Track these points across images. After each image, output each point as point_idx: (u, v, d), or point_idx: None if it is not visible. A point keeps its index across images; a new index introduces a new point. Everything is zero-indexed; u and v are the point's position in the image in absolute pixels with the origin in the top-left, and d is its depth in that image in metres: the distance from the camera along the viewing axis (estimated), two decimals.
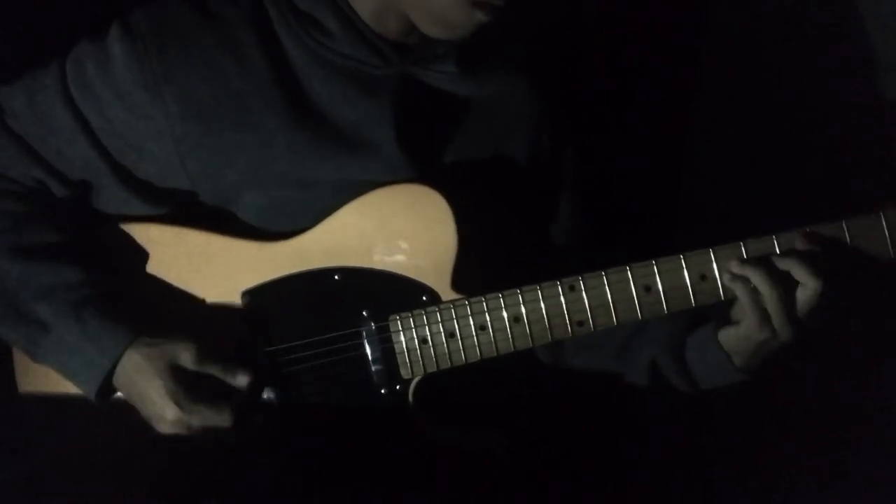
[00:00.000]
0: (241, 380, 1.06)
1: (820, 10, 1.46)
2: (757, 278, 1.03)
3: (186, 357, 1.04)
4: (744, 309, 1.05)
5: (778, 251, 1.06)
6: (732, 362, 1.12)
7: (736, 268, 1.05)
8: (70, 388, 1.08)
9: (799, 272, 1.02)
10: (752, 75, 1.55)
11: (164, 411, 1.02)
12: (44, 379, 1.11)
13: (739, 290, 1.05)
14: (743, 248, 1.06)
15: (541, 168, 1.23)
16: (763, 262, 1.04)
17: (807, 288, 1.03)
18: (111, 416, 1.08)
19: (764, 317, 1.04)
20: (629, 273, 1.08)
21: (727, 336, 1.11)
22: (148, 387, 1.03)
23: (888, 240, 1.05)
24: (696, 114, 1.65)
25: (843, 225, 1.06)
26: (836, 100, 1.45)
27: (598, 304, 1.08)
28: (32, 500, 1.12)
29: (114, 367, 1.04)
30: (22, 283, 1.05)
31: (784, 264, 1.03)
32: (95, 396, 1.05)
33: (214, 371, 1.05)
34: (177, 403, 1.02)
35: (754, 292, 1.04)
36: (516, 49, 1.22)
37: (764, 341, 1.06)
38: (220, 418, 1.03)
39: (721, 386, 1.17)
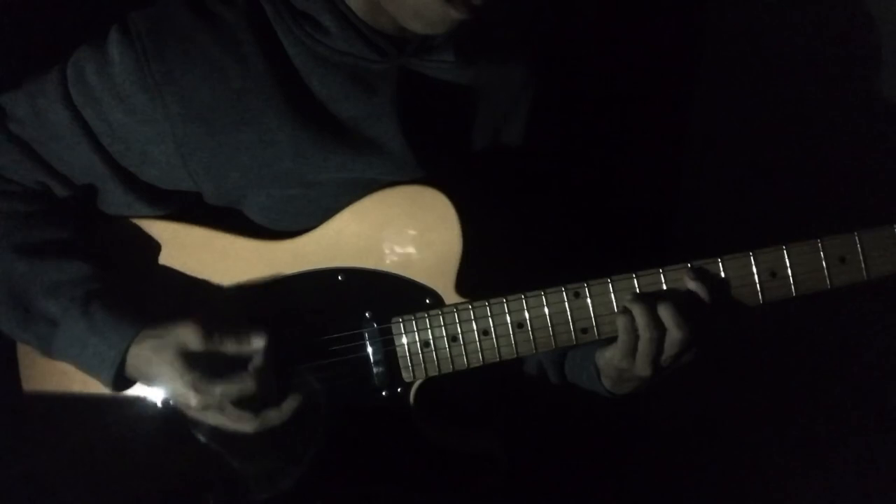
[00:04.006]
0: (257, 342, 1.03)
1: (820, 10, 1.44)
2: (638, 315, 1.02)
3: (193, 339, 1.02)
4: (619, 332, 1.04)
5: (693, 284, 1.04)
6: (602, 382, 1.14)
7: (628, 301, 1.04)
8: (73, 386, 1.08)
9: (667, 318, 1.02)
10: (752, 74, 1.53)
11: (187, 400, 1.01)
12: (47, 377, 1.11)
13: (621, 319, 1.03)
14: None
15: (539, 155, 1.22)
16: (649, 300, 1.03)
17: (670, 335, 1.02)
18: (114, 414, 1.08)
19: (631, 348, 1.04)
20: (635, 281, 1.06)
21: (601, 355, 1.11)
22: (162, 378, 1.01)
23: None
24: (696, 112, 1.64)
25: (856, 237, 1.04)
26: (836, 100, 1.44)
27: (603, 311, 1.07)
28: (33, 499, 1.13)
29: (123, 359, 1.02)
30: (29, 281, 1.05)
31: (660, 308, 1.02)
32: (113, 388, 1.04)
33: (225, 344, 1.03)
34: (195, 389, 1.00)
35: (634, 323, 1.03)
36: (514, 34, 1.20)
37: (624, 370, 1.07)
38: (241, 387, 1.01)
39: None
